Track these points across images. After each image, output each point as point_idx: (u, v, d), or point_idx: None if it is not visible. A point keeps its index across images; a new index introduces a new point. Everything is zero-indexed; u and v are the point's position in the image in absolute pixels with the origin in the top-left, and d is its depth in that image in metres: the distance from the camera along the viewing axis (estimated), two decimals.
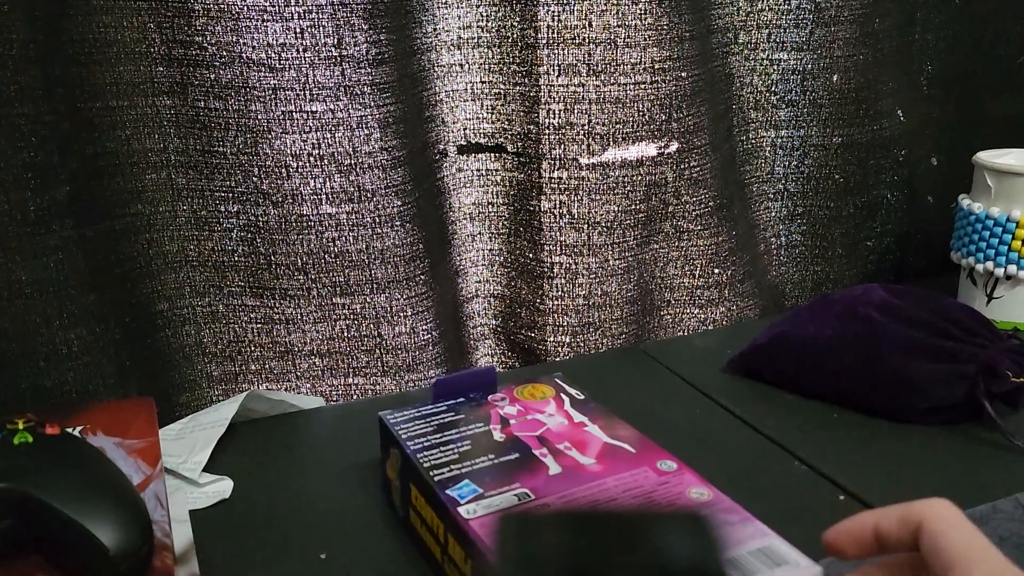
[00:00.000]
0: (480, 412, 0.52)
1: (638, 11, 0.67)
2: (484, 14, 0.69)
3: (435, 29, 0.68)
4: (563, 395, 0.54)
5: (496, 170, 0.73)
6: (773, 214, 0.84)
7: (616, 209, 0.72)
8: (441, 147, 0.71)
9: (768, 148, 0.81)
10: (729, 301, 0.79)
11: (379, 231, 0.65)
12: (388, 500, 0.52)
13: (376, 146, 0.63)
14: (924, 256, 0.91)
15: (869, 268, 0.88)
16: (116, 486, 0.43)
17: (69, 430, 0.49)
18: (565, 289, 0.73)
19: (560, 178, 0.71)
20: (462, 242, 0.75)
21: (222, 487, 0.54)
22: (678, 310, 0.79)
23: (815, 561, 0.39)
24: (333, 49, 0.60)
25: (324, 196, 0.63)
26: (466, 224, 0.75)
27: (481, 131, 0.72)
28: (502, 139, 0.72)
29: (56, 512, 0.40)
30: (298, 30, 0.59)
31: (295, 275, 0.65)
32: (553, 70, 0.68)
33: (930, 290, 0.64)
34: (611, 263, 0.73)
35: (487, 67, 0.70)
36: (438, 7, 0.67)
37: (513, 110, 0.70)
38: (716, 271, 0.78)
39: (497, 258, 0.76)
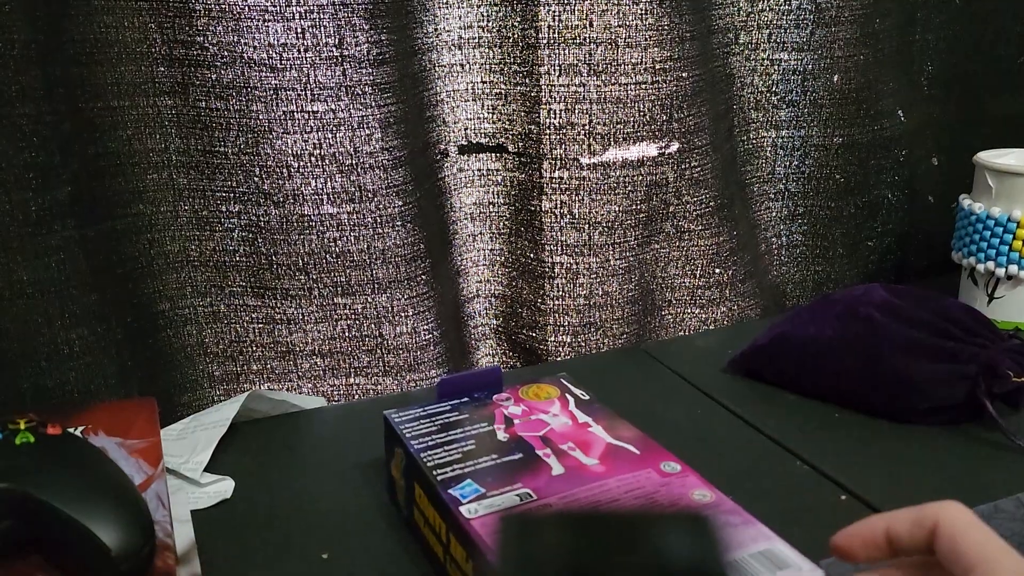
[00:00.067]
0: (484, 412, 0.52)
1: (639, 11, 0.67)
2: (485, 14, 0.69)
3: (436, 29, 0.68)
4: (568, 395, 0.54)
5: (497, 170, 0.73)
6: (774, 214, 0.84)
7: (617, 209, 0.72)
8: (442, 147, 0.71)
9: (769, 148, 0.81)
10: (730, 301, 0.79)
11: (380, 231, 0.65)
12: (393, 499, 0.52)
13: (377, 146, 0.63)
14: (925, 256, 0.91)
15: (870, 268, 0.88)
16: (117, 486, 0.43)
17: (71, 430, 0.49)
18: (566, 289, 0.73)
19: (561, 178, 0.71)
20: (463, 242, 0.75)
21: (224, 487, 0.54)
22: (679, 310, 0.79)
23: (816, 563, 0.39)
24: (334, 49, 0.60)
25: (325, 196, 0.63)
26: (467, 224, 0.75)
27: (482, 131, 0.72)
28: (503, 139, 0.72)
29: (57, 512, 0.40)
30: (299, 30, 0.59)
31: (296, 275, 0.65)
32: (554, 70, 0.68)
33: (931, 290, 0.64)
34: (612, 263, 0.73)
35: (488, 67, 0.70)
36: (439, 7, 0.68)
37: (514, 110, 0.71)
38: (717, 271, 0.78)
39: (498, 258, 0.76)
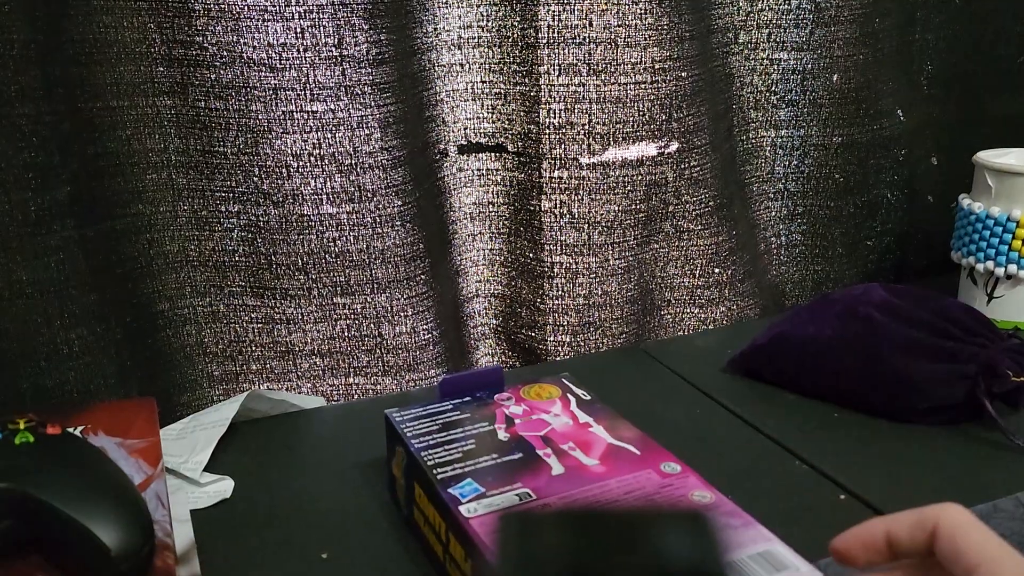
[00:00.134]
0: (485, 411, 0.52)
1: (638, 11, 0.67)
2: (484, 14, 0.69)
3: (435, 29, 0.68)
4: (569, 395, 0.54)
5: (496, 170, 0.73)
6: (773, 214, 0.84)
7: (616, 209, 0.72)
8: (442, 147, 0.71)
9: (768, 148, 0.81)
10: (729, 301, 0.79)
11: (380, 231, 0.65)
12: (394, 498, 0.52)
13: (377, 146, 0.63)
14: (924, 256, 0.91)
15: (869, 268, 0.88)
16: (117, 486, 0.43)
17: (70, 430, 0.49)
18: (565, 289, 0.73)
19: (560, 178, 0.71)
20: (462, 242, 0.75)
21: (223, 487, 0.54)
22: (678, 310, 0.79)
23: (815, 563, 0.39)
24: (334, 49, 0.60)
25: (325, 196, 0.63)
26: (466, 224, 0.75)
27: (481, 131, 0.72)
28: (502, 139, 0.72)
29: (57, 512, 0.40)
30: (298, 30, 0.59)
31: (296, 275, 0.65)
32: (553, 70, 0.68)
33: (930, 290, 0.64)
34: (611, 263, 0.73)
35: (487, 67, 0.70)
36: (438, 7, 0.68)
37: (513, 110, 0.71)
38: (716, 271, 0.78)
39: (497, 258, 0.76)
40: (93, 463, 0.44)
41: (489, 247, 0.76)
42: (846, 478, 0.54)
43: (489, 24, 0.69)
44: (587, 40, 0.67)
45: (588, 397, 0.54)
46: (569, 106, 0.69)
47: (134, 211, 0.63)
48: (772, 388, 0.66)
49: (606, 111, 0.69)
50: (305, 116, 0.61)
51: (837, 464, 0.55)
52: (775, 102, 0.79)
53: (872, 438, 0.59)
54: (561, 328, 0.74)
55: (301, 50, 0.60)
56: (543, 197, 0.71)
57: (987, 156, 0.74)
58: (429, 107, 0.69)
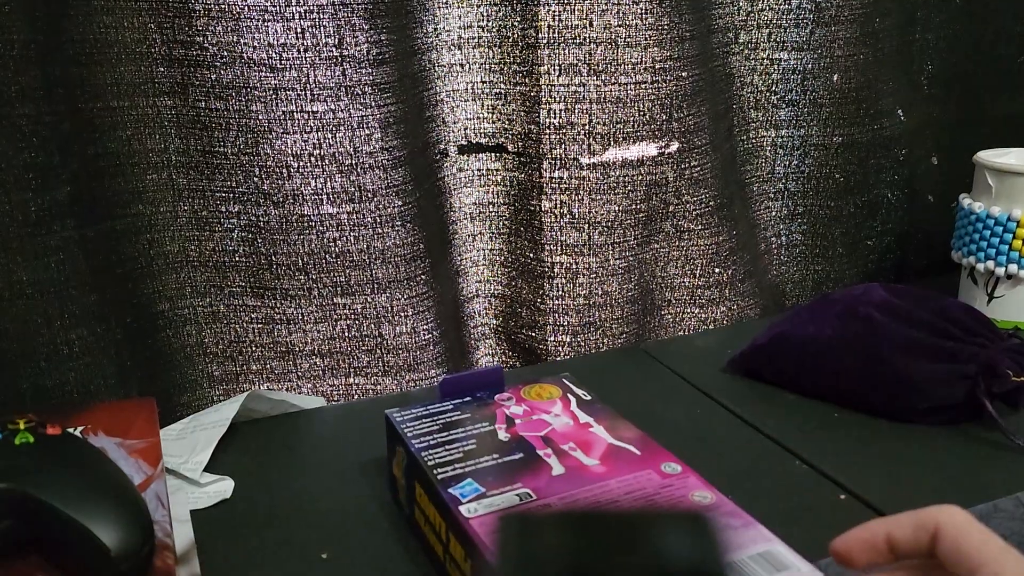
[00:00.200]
0: (486, 411, 0.52)
1: (639, 11, 0.67)
2: (485, 14, 0.69)
3: (436, 29, 0.68)
4: (570, 396, 0.54)
5: (497, 170, 0.73)
6: (773, 213, 0.84)
7: (617, 209, 0.72)
8: (442, 147, 0.71)
9: (768, 148, 0.81)
10: (730, 301, 0.79)
11: (380, 231, 0.65)
12: (395, 498, 0.52)
13: (377, 146, 0.63)
14: (925, 255, 0.91)
15: (869, 267, 0.88)
16: (117, 486, 0.43)
17: (70, 430, 0.49)
18: (566, 289, 0.73)
19: (561, 178, 0.71)
20: (463, 242, 0.75)
21: (223, 487, 0.54)
22: (679, 310, 0.79)
23: (816, 563, 0.39)
24: (334, 49, 0.60)
25: (325, 196, 0.63)
26: (467, 224, 0.75)
27: (482, 131, 0.72)
28: (503, 139, 0.72)
29: (57, 512, 0.40)
30: (299, 30, 0.59)
31: (296, 275, 0.65)
32: (554, 70, 0.68)
33: (930, 290, 0.64)
34: (612, 263, 0.73)
35: (488, 67, 0.70)
36: (439, 7, 0.68)
37: (514, 110, 0.70)
38: (717, 271, 0.78)
39: (498, 258, 0.76)
40: (93, 463, 0.44)
41: (489, 247, 0.76)
42: (846, 478, 0.54)
43: (489, 24, 0.69)
44: (587, 40, 0.67)
45: (588, 397, 0.54)
46: (569, 106, 0.69)
47: (134, 211, 0.63)
48: (772, 388, 0.66)
49: (606, 111, 0.69)
50: (305, 116, 0.61)
51: (837, 464, 0.55)
52: (775, 102, 0.79)
53: (872, 438, 0.59)
54: (561, 328, 0.74)
55: (301, 50, 0.60)
56: (543, 197, 0.71)
57: (987, 156, 0.74)
58: (429, 107, 0.69)
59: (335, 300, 0.66)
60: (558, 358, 0.75)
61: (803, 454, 0.57)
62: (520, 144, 0.71)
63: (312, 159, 0.62)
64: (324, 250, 0.65)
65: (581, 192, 0.71)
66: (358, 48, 0.61)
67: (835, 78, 0.78)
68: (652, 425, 0.51)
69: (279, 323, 0.67)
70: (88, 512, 0.40)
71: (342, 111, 0.62)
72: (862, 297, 0.63)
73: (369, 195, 0.64)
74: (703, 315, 0.79)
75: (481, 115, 0.71)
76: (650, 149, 0.71)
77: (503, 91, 0.70)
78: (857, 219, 0.85)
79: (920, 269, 0.91)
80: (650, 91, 0.69)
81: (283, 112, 0.61)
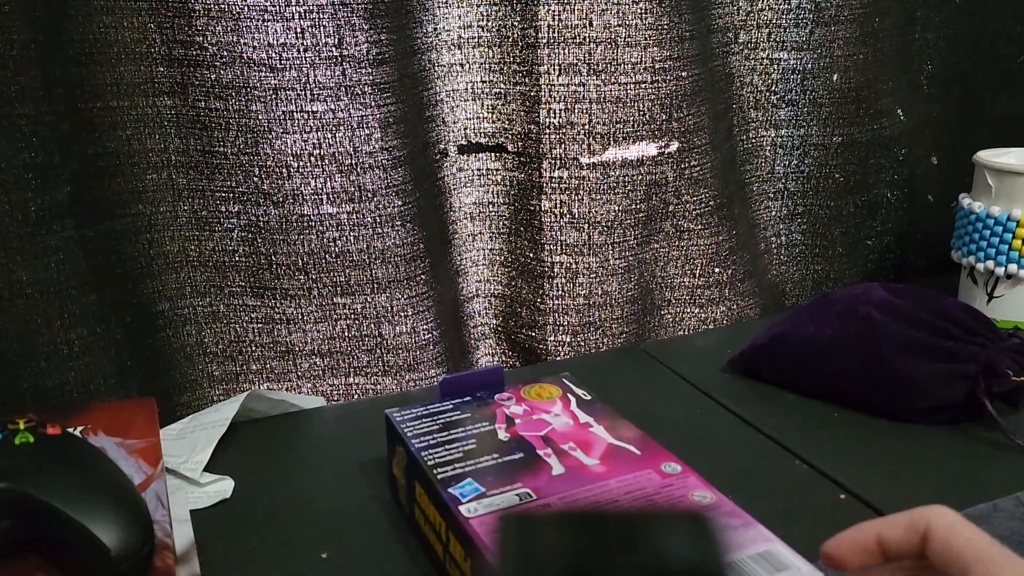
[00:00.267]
0: (486, 411, 0.52)
1: (638, 11, 0.67)
2: (484, 13, 0.69)
3: (435, 29, 0.68)
4: (570, 395, 0.54)
5: (497, 170, 0.73)
6: (773, 213, 0.84)
7: (616, 208, 0.72)
8: (442, 147, 0.71)
9: (768, 147, 0.81)
10: (729, 300, 0.79)
11: (380, 231, 0.65)
12: (395, 498, 0.53)
13: (377, 146, 0.63)
14: (924, 255, 0.91)
15: (869, 267, 0.88)
16: (117, 486, 0.43)
17: (70, 430, 0.49)
18: (565, 288, 0.73)
19: (561, 178, 0.71)
20: (463, 242, 0.75)
21: (223, 487, 0.54)
22: (678, 309, 0.79)
23: (816, 565, 0.39)
24: (334, 49, 0.60)
25: (325, 196, 0.63)
26: (467, 224, 0.75)
27: (482, 131, 0.72)
28: (503, 139, 0.72)
29: (57, 512, 0.40)
30: (299, 30, 0.59)
31: (296, 275, 0.65)
32: (553, 70, 0.68)
33: (930, 289, 0.64)
34: (611, 262, 0.73)
35: (487, 67, 0.70)
36: (438, 7, 0.68)
37: (513, 110, 0.71)
38: (716, 270, 0.78)
39: (498, 258, 0.76)
40: (93, 463, 0.44)
41: (489, 247, 0.76)
42: (846, 478, 0.54)
43: (489, 24, 0.69)
44: (587, 40, 0.67)
45: (588, 397, 0.54)
46: (569, 106, 0.69)
47: (134, 211, 0.63)
48: (772, 388, 0.66)
49: (606, 111, 0.69)
50: (305, 116, 0.61)
51: (837, 464, 0.55)
52: (775, 102, 0.79)
53: (872, 438, 0.59)
54: (561, 328, 0.74)
55: (301, 50, 0.60)
56: (543, 197, 0.71)
57: (987, 155, 0.74)
58: (429, 107, 0.69)
59: (335, 300, 0.66)
60: (558, 358, 0.75)
61: (803, 454, 0.57)
62: (520, 144, 0.71)
63: (312, 159, 0.62)
64: (324, 250, 0.65)
65: (581, 192, 0.71)
66: (358, 48, 0.61)
67: (835, 78, 0.79)
68: (652, 425, 0.51)
69: (279, 323, 0.67)
70: (88, 512, 0.40)
71: (342, 111, 0.62)
72: (862, 297, 0.63)
73: (369, 195, 0.64)
74: (703, 315, 0.79)
75: (481, 115, 0.71)
76: (650, 149, 0.71)
77: (503, 91, 0.70)
78: (857, 219, 0.85)
79: (920, 269, 0.91)
80: (650, 91, 0.69)
81: (283, 112, 0.61)
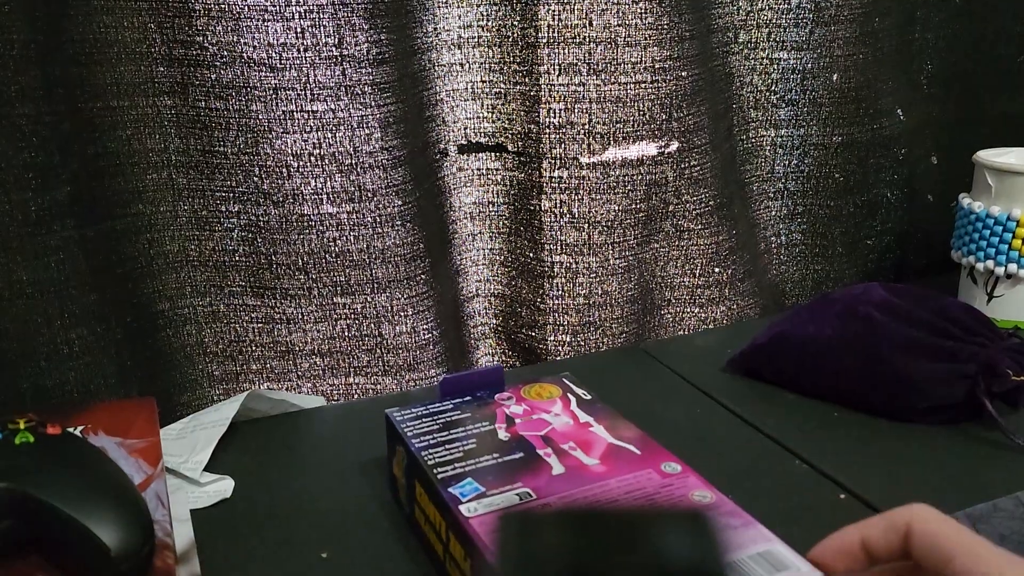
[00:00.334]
0: (486, 411, 0.52)
1: (638, 10, 0.67)
2: (484, 13, 0.69)
3: (435, 28, 0.68)
4: (570, 395, 0.54)
5: (496, 169, 0.73)
6: (773, 213, 0.84)
7: (616, 208, 0.72)
8: (442, 147, 0.71)
9: (768, 147, 0.81)
10: (729, 300, 0.79)
11: (380, 231, 0.65)
12: (395, 497, 0.53)
13: (377, 146, 0.63)
14: (924, 255, 0.91)
15: (869, 267, 0.88)
16: (117, 486, 0.43)
17: (70, 430, 0.49)
18: (565, 288, 0.73)
19: (560, 177, 0.71)
20: (463, 241, 0.75)
21: (223, 486, 0.54)
22: (678, 309, 0.79)
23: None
24: (334, 49, 0.60)
25: (325, 196, 0.63)
26: (466, 223, 0.75)
27: (482, 130, 0.72)
28: (503, 138, 0.72)
29: (57, 512, 0.40)
30: (299, 30, 0.59)
31: (296, 275, 0.65)
32: (553, 69, 0.68)
33: (930, 289, 0.64)
34: (611, 262, 0.73)
35: (488, 66, 0.70)
36: (438, 6, 0.68)
37: (514, 109, 0.71)
38: (716, 270, 0.78)
39: (498, 257, 0.76)
40: (93, 463, 0.44)
41: (489, 247, 0.76)
42: (846, 478, 0.54)
43: (489, 24, 0.69)
44: (587, 40, 0.67)
45: (588, 397, 0.54)
46: (569, 106, 0.69)
47: (134, 211, 0.63)
48: (772, 388, 0.66)
49: (606, 111, 0.69)
50: (305, 116, 0.61)
51: (837, 464, 0.55)
52: (775, 101, 0.79)
53: (872, 438, 0.59)
54: (561, 328, 0.74)
55: (301, 50, 0.60)
56: (543, 197, 0.71)
57: (987, 155, 0.74)
58: (429, 107, 0.69)
59: (335, 300, 0.66)
60: (558, 358, 0.75)
61: (803, 454, 0.57)
62: (520, 143, 0.71)
63: (312, 159, 0.62)
64: (324, 250, 0.65)
65: (581, 192, 0.71)
66: (358, 48, 0.61)
67: (835, 77, 0.79)
68: (652, 425, 0.51)
69: (279, 323, 0.67)
70: (88, 512, 0.40)
71: (342, 111, 0.62)
72: (862, 297, 0.63)
73: (369, 195, 0.64)
74: (703, 315, 0.79)
75: (481, 115, 0.71)
76: (650, 149, 0.71)
77: (503, 91, 0.70)
78: (857, 218, 0.85)
79: (920, 269, 0.91)
80: (650, 91, 0.69)
81: (283, 112, 0.61)
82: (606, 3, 0.66)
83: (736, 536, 0.40)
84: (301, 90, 0.60)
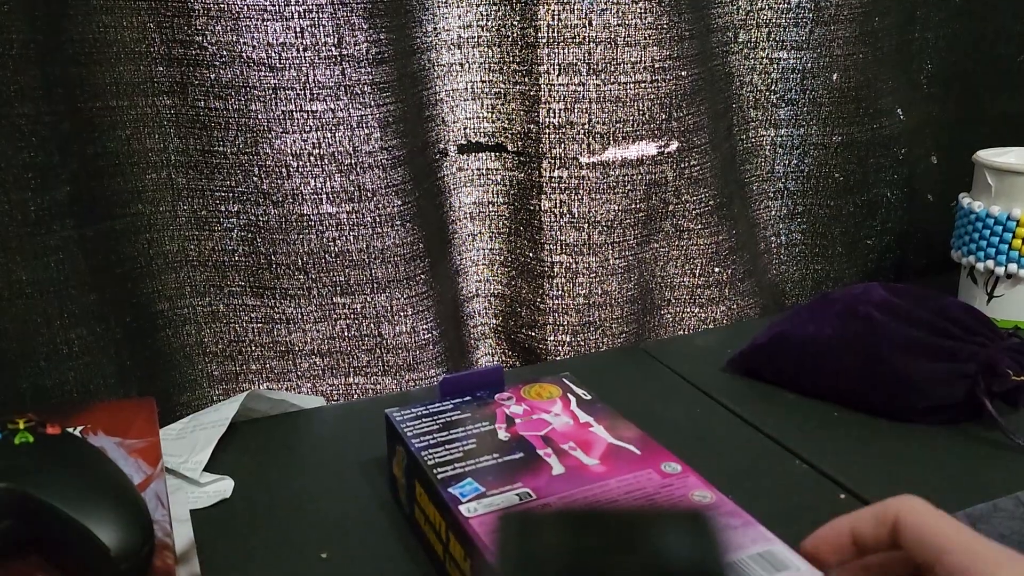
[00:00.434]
0: (486, 411, 0.52)
1: (638, 10, 0.67)
2: (484, 13, 0.69)
3: (435, 28, 0.68)
4: (570, 395, 0.54)
5: (496, 169, 0.73)
6: (773, 213, 0.84)
7: (616, 208, 0.72)
8: (441, 146, 0.71)
9: (768, 147, 0.81)
10: (729, 300, 0.79)
11: (379, 230, 0.65)
12: (395, 498, 0.53)
13: (376, 145, 0.63)
14: (924, 255, 0.91)
15: (869, 267, 0.88)
16: (117, 486, 0.43)
17: (70, 430, 0.49)
18: (565, 288, 0.73)
19: (560, 177, 0.71)
20: (462, 241, 0.75)
21: (223, 486, 0.54)
22: (678, 309, 0.79)
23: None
24: (333, 48, 0.60)
25: (324, 196, 0.63)
26: (466, 223, 0.75)
27: (481, 130, 0.72)
28: (502, 138, 0.72)
29: (57, 512, 0.40)
30: (298, 29, 0.59)
31: (295, 275, 0.65)
32: (553, 69, 0.68)
33: (930, 289, 0.64)
34: (611, 262, 0.73)
35: (487, 66, 0.70)
36: (438, 6, 0.67)
37: (513, 109, 0.70)
38: (716, 270, 0.78)
39: (497, 257, 0.76)
40: (93, 463, 0.44)
41: (489, 247, 0.76)
42: (846, 477, 0.54)
43: (489, 24, 0.69)
44: (587, 39, 0.67)
45: (588, 397, 0.54)
46: (569, 105, 0.69)
47: (134, 211, 0.63)
48: (772, 388, 0.66)
49: (606, 110, 0.69)
50: (305, 116, 0.61)
51: (837, 463, 0.55)
52: (775, 101, 0.79)
53: (872, 438, 0.59)
54: (561, 328, 0.74)
55: (301, 50, 0.60)
56: (543, 197, 0.71)
57: (987, 155, 0.74)
58: (429, 107, 0.69)
59: (335, 300, 0.66)
60: (558, 358, 0.75)
61: (803, 454, 0.57)
62: (520, 143, 0.71)
63: (311, 158, 0.62)
64: (324, 250, 0.65)
65: (581, 191, 0.71)
66: (357, 47, 0.61)
67: (834, 77, 0.78)
68: (652, 425, 0.51)
69: (279, 323, 0.67)
70: (88, 512, 0.40)
71: (341, 110, 0.62)
72: (862, 296, 0.63)
73: (368, 194, 0.64)
74: (703, 314, 0.79)
75: (481, 114, 0.71)
76: (649, 148, 0.71)
77: (503, 90, 0.70)
78: (857, 218, 0.85)
79: (920, 268, 0.91)
80: (649, 90, 0.69)
81: (282, 111, 0.61)
82: (606, 3, 0.66)
83: (736, 536, 0.40)
84: (300, 90, 0.60)
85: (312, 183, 0.63)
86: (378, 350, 0.68)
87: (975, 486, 0.52)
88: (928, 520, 0.33)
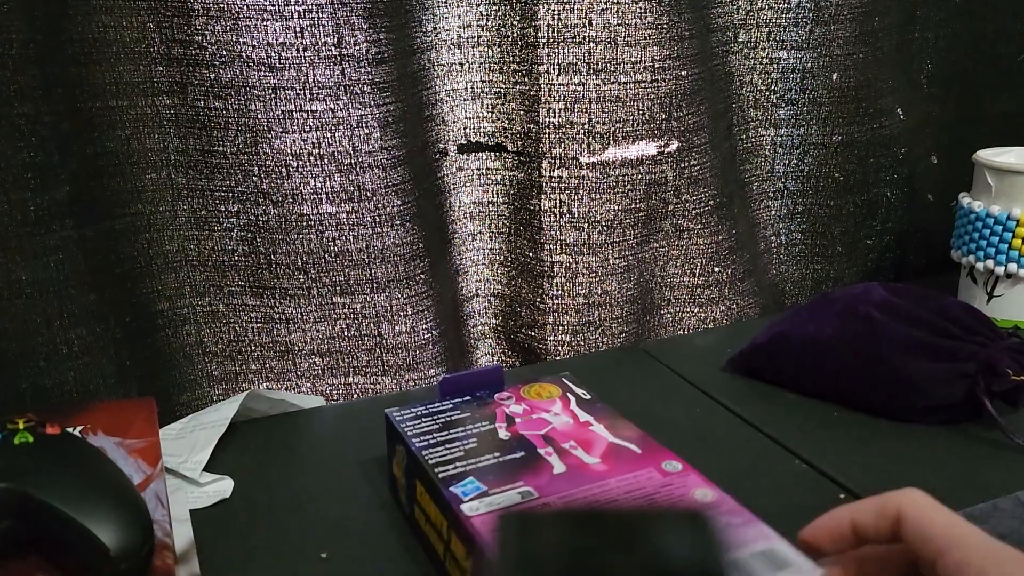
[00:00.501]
0: (486, 410, 0.52)
1: (638, 10, 0.67)
2: (484, 13, 0.68)
3: (435, 28, 0.68)
4: (570, 395, 0.54)
5: (496, 169, 0.73)
6: (773, 212, 0.84)
7: (616, 208, 0.72)
8: (441, 146, 0.71)
9: (768, 146, 0.81)
10: (729, 300, 0.79)
11: (379, 230, 0.65)
12: (395, 497, 0.52)
13: (376, 145, 0.63)
14: (924, 254, 0.91)
15: (869, 266, 0.88)
16: (117, 486, 0.43)
17: (69, 430, 0.49)
18: (565, 288, 0.73)
19: (560, 177, 0.70)
20: (462, 241, 0.75)
21: (223, 486, 0.54)
22: (678, 309, 0.79)
23: (816, 563, 0.39)
24: (333, 48, 0.60)
25: (324, 195, 0.63)
26: (466, 223, 0.75)
27: (481, 130, 0.72)
28: (502, 138, 0.72)
29: (56, 512, 0.40)
30: (298, 29, 0.59)
31: (295, 274, 0.65)
32: (553, 69, 0.68)
33: (930, 288, 0.64)
34: (611, 262, 0.73)
35: (487, 66, 0.70)
36: (438, 6, 0.67)
37: (513, 109, 0.70)
38: (716, 270, 0.78)
39: (497, 257, 0.76)
40: (93, 463, 0.44)
41: (489, 247, 0.76)
42: (846, 477, 0.54)
43: (489, 23, 0.69)
44: (587, 39, 0.67)
45: (588, 396, 0.54)
46: (569, 105, 0.69)
47: (133, 211, 0.63)
48: (772, 388, 0.66)
49: (606, 110, 0.69)
50: (304, 115, 0.61)
51: (837, 463, 0.55)
52: (775, 101, 0.79)
53: (872, 437, 0.59)
54: (561, 327, 0.74)
55: (300, 49, 0.60)
56: (543, 196, 0.71)
57: (987, 155, 0.74)
58: (429, 106, 0.69)
59: (334, 299, 0.66)
60: (558, 357, 0.75)
61: (803, 453, 0.57)
62: (519, 143, 0.71)
63: (311, 158, 0.62)
64: (323, 249, 0.65)
65: (580, 191, 0.71)
66: (357, 47, 0.61)
67: (834, 77, 0.78)
68: (652, 424, 0.51)
69: (278, 322, 0.67)
70: (88, 512, 0.40)
71: (341, 110, 0.62)
72: (862, 296, 0.63)
73: (368, 194, 0.64)
74: (703, 314, 0.79)
75: (480, 114, 0.71)
76: (649, 148, 0.71)
77: (502, 90, 0.70)
78: (857, 218, 0.85)
79: (920, 268, 0.91)
80: (649, 90, 0.69)
81: (282, 111, 0.61)
82: (606, 3, 0.66)
83: (737, 534, 0.40)
84: (300, 90, 0.60)
85: (312, 183, 0.63)
86: (378, 350, 0.68)
87: (975, 486, 0.52)
88: (931, 515, 0.32)
